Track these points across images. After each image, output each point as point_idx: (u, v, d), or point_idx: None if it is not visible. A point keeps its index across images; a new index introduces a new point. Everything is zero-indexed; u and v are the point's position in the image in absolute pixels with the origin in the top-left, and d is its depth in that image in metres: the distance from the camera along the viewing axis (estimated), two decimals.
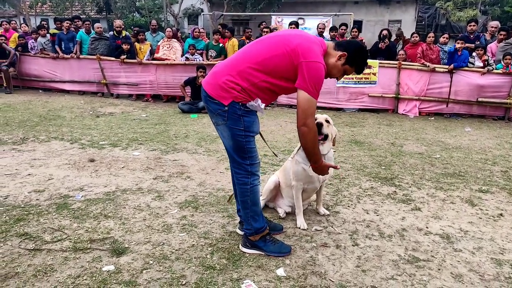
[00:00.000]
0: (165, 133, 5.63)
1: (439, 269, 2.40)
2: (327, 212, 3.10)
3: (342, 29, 8.47)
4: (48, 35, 9.22)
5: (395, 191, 3.65)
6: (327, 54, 2.27)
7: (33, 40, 9.20)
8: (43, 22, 9.68)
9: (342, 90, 7.92)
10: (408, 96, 7.77)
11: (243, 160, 2.28)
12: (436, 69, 7.45)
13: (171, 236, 2.66)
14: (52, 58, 9.03)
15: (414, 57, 7.74)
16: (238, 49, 8.62)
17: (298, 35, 2.24)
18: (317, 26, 8.86)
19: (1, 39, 8.97)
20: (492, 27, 8.04)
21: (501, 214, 3.23)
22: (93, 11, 30.12)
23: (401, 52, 7.91)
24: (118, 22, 9.03)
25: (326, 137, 2.74)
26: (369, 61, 7.74)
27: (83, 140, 5.03)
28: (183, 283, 2.15)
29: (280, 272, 2.28)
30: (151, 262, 2.34)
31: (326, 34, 8.86)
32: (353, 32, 8.31)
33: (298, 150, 2.85)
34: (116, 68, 8.72)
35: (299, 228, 2.85)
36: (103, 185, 3.55)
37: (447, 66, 7.42)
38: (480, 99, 7.35)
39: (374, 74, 7.74)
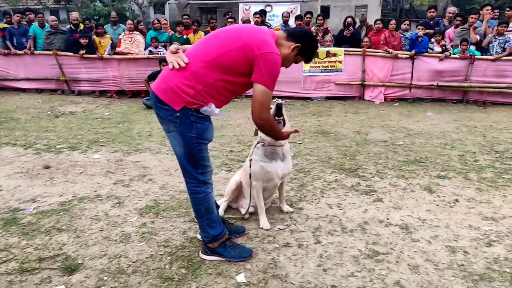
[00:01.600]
0: (128, 132, 5.45)
1: (397, 262, 2.43)
2: (291, 209, 3.08)
3: (307, 17, 8.41)
4: None
5: (359, 182, 3.68)
6: (279, 44, 2.21)
7: None
8: None
9: (309, 79, 7.91)
10: (373, 82, 7.86)
11: (194, 169, 2.21)
12: (399, 55, 7.55)
13: (129, 247, 2.57)
14: (3, 54, 8.53)
15: (377, 44, 7.80)
16: None
17: (249, 28, 2.18)
18: (282, 15, 8.77)
19: None
20: (450, 13, 8.21)
21: (456, 200, 3.32)
22: (51, 1, 28.78)
23: (365, 39, 7.96)
24: (74, 15, 8.62)
25: (284, 122, 2.70)
26: (335, 49, 7.78)
27: (38, 145, 4.79)
28: None
29: (241, 278, 2.25)
30: (105, 278, 2.24)
31: (291, 22, 8.78)
32: (318, 19, 8.26)
33: (253, 149, 2.80)
34: (75, 64, 8.34)
35: (262, 228, 2.82)
36: (58, 194, 3.39)
37: (408, 52, 7.52)
38: (440, 83, 7.52)
39: (340, 62, 7.76)
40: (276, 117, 2.64)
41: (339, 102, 7.77)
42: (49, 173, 3.87)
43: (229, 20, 8.04)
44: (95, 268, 2.33)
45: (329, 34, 8.11)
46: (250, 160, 2.80)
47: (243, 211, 3.00)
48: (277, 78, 2.11)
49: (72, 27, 8.51)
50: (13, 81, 8.85)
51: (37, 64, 8.54)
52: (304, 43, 2.22)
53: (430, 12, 8.14)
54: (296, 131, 2.66)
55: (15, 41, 8.56)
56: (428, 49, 7.47)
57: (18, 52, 8.49)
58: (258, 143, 2.79)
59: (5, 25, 8.80)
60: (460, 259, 2.47)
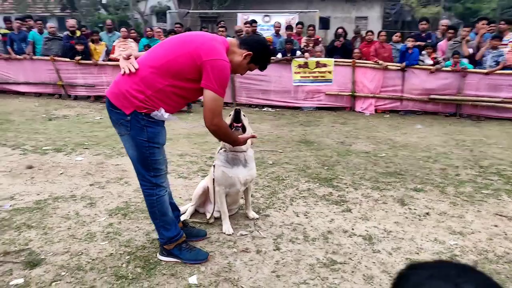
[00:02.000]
0: (115, 136, 5.47)
1: (352, 272, 2.47)
2: (256, 216, 3.14)
3: (298, 28, 8.55)
4: None
5: (331, 192, 3.72)
6: (232, 52, 2.29)
7: None
8: None
9: (299, 89, 8.00)
10: (364, 93, 7.92)
11: (147, 172, 2.28)
12: (389, 67, 7.61)
13: (92, 245, 2.64)
14: (4, 59, 8.75)
15: (368, 55, 7.88)
16: None
17: (199, 35, 2.26)
18: (273, 25, 8.92)
19: None
20: (443, 25, 8.27)
21: (427, 213, 3.34)
22: (57, 9, 29.30)
23: (356, 50, 8.05)
24: (71, 22, 8.82)
25: (244, 128, 2.76)
26: (325, 60, 7.87)
27: (26, 146, 4.91)
28: None
29: (193, 280, 2.30)
30: (63, 273, 2.31)
31: (282, 32, 8.90)
32: (309, 30, 8.37)
33: (216, 154, 2.88)
34: (72, 69, 8.53)
35: (224, 233, 2.87)
36: (35, 193, 3.48)
37: (399, 64, 7.59)
38: (432, 96, 7.55)
39: (330, 72, 7.84)
40: (234, 123, 2.71)
41: (329, 113, 7.84)
42: (31, 173, 3.97)
43: (220, 29, 8.18)
44: (55, 264, 2.41)
45: (320, 45, 8.21)
46: (214, 165, 2.88)
47: (208, 215, 3.06)
48: (227, 84, 2.18)
49: (69, 34, 8.69)
50: (13, 84, 9.05)
51: (35, 68, 8.73)
52: (256, 51, 2.30)
53: (421, 24, 8.22)
54: (253, 136, 2.72)
55: (15, 47, 8.79)
56: (419, 62, 7.53)
57: (18, 57, 8.69)
58: (221, 148, 2.86)
59: (6, 31, 9.04)
60: None
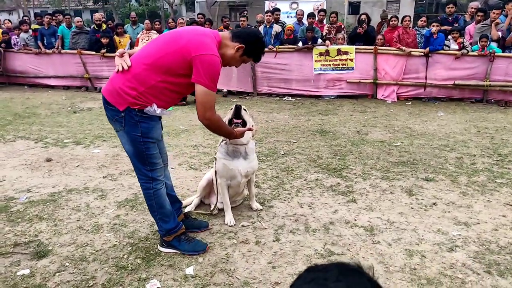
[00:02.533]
0: None
1: None
2: (260, 207, 3.16)
3: (320, 15, 8.39)
4: (30, 30, 9.29)
5: (339, 183, 3.69)
6: (224, 45, 2.30)
7: (16, 36, 9.29)
8: (24, 17, 9.73)
9: (319, 77, 7.88)
10: (386, 81, 7.70)
11: (143, 166, 2.34)
12: (412, 53, 7.35)
13: (97, 237, 2.75)
14: (35, 53, 9.13)
15: (391, 41, 7.64)
16: None
17: (189, 30, 2.28)
18: (296, 13, 8.78)
19: None
20: (472, 8, 7.86)
21: (434, 203, 3.26)
22: (90, 2, 30.12)
23: (379, 36, 7.80)
24: (97, 16, 9.06)
25: (244, 123, 2.77)
26: (346, 47, 7.69)
27: (48, 139, 5.13)
28: (90, 284, 2.24)
29: (189, 271, 2.36)
30: (67, 264, 2.43)
31: (304, 20, 8.76)
32: (331, 17, 8.19)
33: (218, 147, 2.91)
34: (97, 62, 8.79)
35: (227, 224, 2.92)
36: (51, 186, 3.66)
37: (422, 50, 7.31)
38: (457, 82, 7.25)
39: (351, 60, 7.66)
40: (234, 119, 2.73)
41: (349, 101, 7.69)
42: (49, 166, 4.16)
43: (242, 19, 8.15)
44: (61, 255, 2.53)
45: (342, 32, 8.02)
46: (215, 158, 2.91)
47: (212, 207, 3.11)
48: (217, 78, 2.19)
49: (95, 27, 8.93)
50: (43, 78, 9.45)
51: (64, 62, 9.08)
52: (248, 44, 2.29)
53: (448, 7, 7.85)
54: (250, 129, 2.72)
55: (45, 41, 9.14)
56: (444, 47, 7.22)
57: (47, 51, 9.05)
58: (222, 141, 2.89)
59: (37, 26, 9.41)
60: (415, 263, 2.46)
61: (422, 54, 7.29)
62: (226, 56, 2.31)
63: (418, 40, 7.62)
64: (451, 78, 7.28)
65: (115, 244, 2.65)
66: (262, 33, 8.29)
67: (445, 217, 3.05)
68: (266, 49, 8.00)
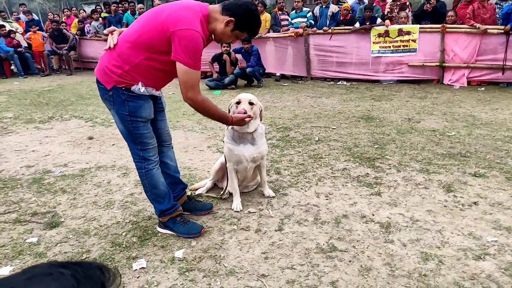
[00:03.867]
0: (177, 110, 5.83)
1: (350, 261, 2.22)
2: (272, 194, 3.00)
3: None
4: (100, 19, 9.95)
5: (368, 173, 3.37)
6: (213, 19, 2.16)
7: (88, 25, 10.02)
8: (97, 7, 10.43)
9: (378, 60, 7.33)
10: (455, 64, 6.91)
11: (134, 145, 2.31)
12: (489, 31, 6.47)
13: (106, 213, 2.83)
14: (104, 40, 9.75)
15: (465, 17, 6.80)
16: (270, 24, 8.42)
17: (172, 4, 2.14)
18: None
19: (62, 26, 9.92)
20: None
21: (475, 203, 2.82)
22: None
23: (450, 13, 7.00)
24: (156, 1, 9.36)
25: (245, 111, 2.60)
26: (408, 27, 7.03)
27: (97, 119, 5.45)
28: (84, 257, 2.30)
29: (178, 254, 2.31)
30: (71, 236, 2.53)
31: None
32: None
33: (226, 131, 2.79)
34: None
35: (233, 210, 2.82)
36: (85, 162, 3.86)
37: (502, 27, 6.39)
38: None
39: (414, 40, 6.99)
40: (235, 104, 2.60)
41: (410, 86, 7.05)
42: (90, 143, 4.41)
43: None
44: (69, 227, 2.64)
45: (407, 10, 7.33)
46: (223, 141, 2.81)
47: (222, 191, 3.02)
48: (199, 55, 2.06)
49: None
50: None
51: None
52: (238, 17, 2.12)
53: None
54: (249, 116, 2.52)
55: None
56: None
57: None
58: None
59: (106, 15, 10.04)
60: (428, 268, 2.14)
61: (501, 31, 6.38)
62: (216, 31, 2.17)
63: (497, 16, 6.68)
64: None
65: (119, 221, 2.70)
66: (318, 13, 7.92)
67: (484, 219, 2.61)
68: (320, 31, 7.67)
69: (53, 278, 0.52)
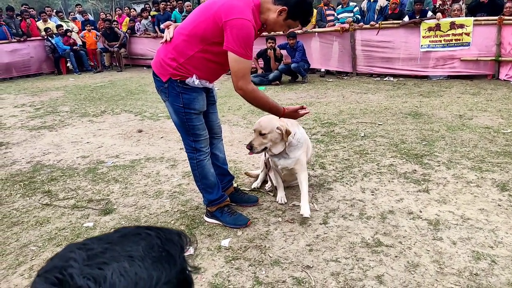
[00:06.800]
0: (223, 105, 5.93)
1: (396, 257, 2.18)
2: (307, 214, 2.54)
3: None
4: (149, 17, 10.31)
5: (415, 170, 3.28)
6: (266, 9, 2.17)
7: (138, 23, 10.41)
8: (146, 5, 10.81)
9: (427, 55, 7.06)
10: None
11: (187, 136, 2.40)
12: None
13: (156, 202, 2.96)
14: (152, 37, 10.11)
15: None
16: (316, 20, 8.33)
17: None
18: None
19: (114, 24, 10.38)
20: None
21: None
22: None
23: (508, 4, 6.58)
24: (188, 4, 9.57)
25: (251, 147, 2.58)
26: (462, 20, 6.71)
27: (146, 113, 5.68)
28: None
29: (225, 243, 2.38)
30: (123, 223, 2.67)
31: None
32: None
33: None
34: None
35: (277, 202, 2.85)
36: (135, 153, 4.04)
37: None
38: None
39: (467, 34, 6.66)
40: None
41: (461, 82, 6.73)
42: (139, 136, 4.61)
43: None
44: (121, 214, 2.79)
45: (460, 2, 6.99)
46: None
47: (269, 183, 3.04)
48: (250, 45, 2.08)
49: None
50: None
51: None
52: (291, 5, 2.13)
53: None
54: (302, 107, 2.49)
55: (161, 26, 10.05)
56: None
57: (162, 35, 9.90)
58: None
59: (155, 13, 10.38)
60: (480, 267, 2.07)
61: None
62: (269, 20, 2.19)
63: None
64: None
65: (168, 210, 2.81)
66: (366, 8, 7.75)
67: None
68: (367, 26, 7.50)
69: (141, 237, 0.58)
